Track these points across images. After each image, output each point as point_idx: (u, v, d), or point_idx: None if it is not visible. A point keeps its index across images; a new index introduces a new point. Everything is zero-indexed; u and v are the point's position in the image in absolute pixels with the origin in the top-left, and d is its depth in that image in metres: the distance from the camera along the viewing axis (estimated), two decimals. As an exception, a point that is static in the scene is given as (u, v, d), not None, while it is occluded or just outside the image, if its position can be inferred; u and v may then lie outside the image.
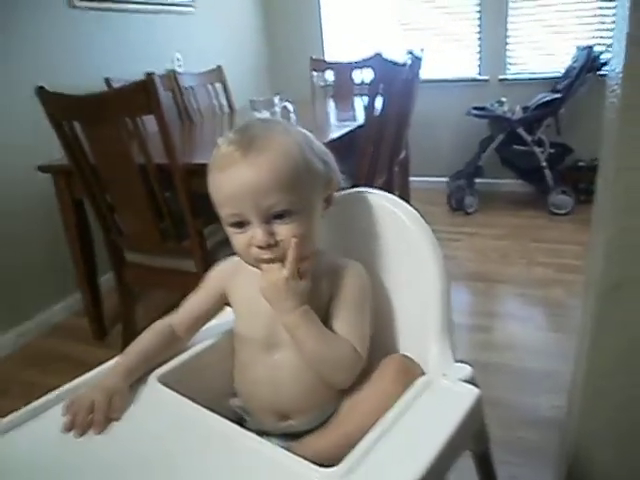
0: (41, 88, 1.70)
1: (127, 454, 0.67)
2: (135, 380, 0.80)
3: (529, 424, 1.56)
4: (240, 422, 0.81)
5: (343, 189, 0.86)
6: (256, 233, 0.72)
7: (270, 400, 0.81)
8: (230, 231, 0.76)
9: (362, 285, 0.82)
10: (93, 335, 2.26)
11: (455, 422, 0.65)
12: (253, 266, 0.77)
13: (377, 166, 2.35)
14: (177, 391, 0.76)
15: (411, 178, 3.42)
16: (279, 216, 0.72)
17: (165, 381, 0.79)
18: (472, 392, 0.71)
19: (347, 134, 2.13)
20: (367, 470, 0.60)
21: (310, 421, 0.80)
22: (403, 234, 0.84)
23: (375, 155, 2.27)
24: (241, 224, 0.73)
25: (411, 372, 0.76)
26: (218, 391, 0.85)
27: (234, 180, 0.71)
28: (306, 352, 0.76)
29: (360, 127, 2.22)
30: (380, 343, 0.84)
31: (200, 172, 1.70)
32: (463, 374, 0.73)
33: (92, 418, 0.71)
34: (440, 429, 0.64)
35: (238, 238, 0.75)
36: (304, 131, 0.80)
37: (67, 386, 0.80)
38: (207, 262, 1.77)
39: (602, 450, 0.96)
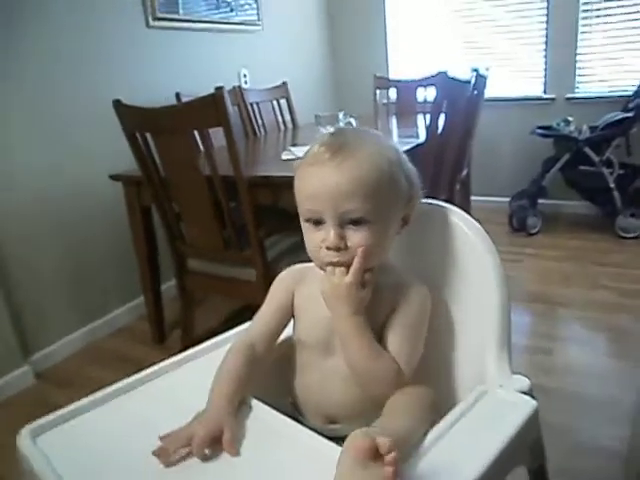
0: (117, 101, 1.79)
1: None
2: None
3: (586, 453, 1.50)
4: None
5: None
6: (328, 234, 0.73)
7: (320, 404, 0.83)
8: (305, 227, 0.78)
9: (424, 307, 0.82)
10: (153, 338, 2.34)
11: (510, 432, 0.64)
12: (320, 268, 0.78)
13: (439, 184, 2.34)
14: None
15: (472, 197, 3.39)
16: (354, 222, 0.73)
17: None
18: (529, 403, 0.70)
19: (409, 151, 2.14)
20: (420, 476, 0.60)
21: (357, 427, 0.80)
22: (465, 246, 0.85)
23: (437, 173, 2.26)
24: (317, 222, 0.75)
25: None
26: (275, 391, 0.87)
27: (317, 179, 0.73)
28: (350, 360, 0.77)
29: (422, 144, 2.22)
30: (438, 355, 0.85)
31: (263, 184, 1.79)
32: (520, 385, 0.73)
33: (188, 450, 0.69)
34: (495, 438, 0.63)
35: (311, 235, 0.77)
36: (397, 147, 0.81)
37: (119, 384, 0.83)
38: (267, 272, 1.81)
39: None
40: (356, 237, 0.73)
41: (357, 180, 0.71)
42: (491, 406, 0.71)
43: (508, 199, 3.53)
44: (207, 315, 2.46)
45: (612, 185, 3.03)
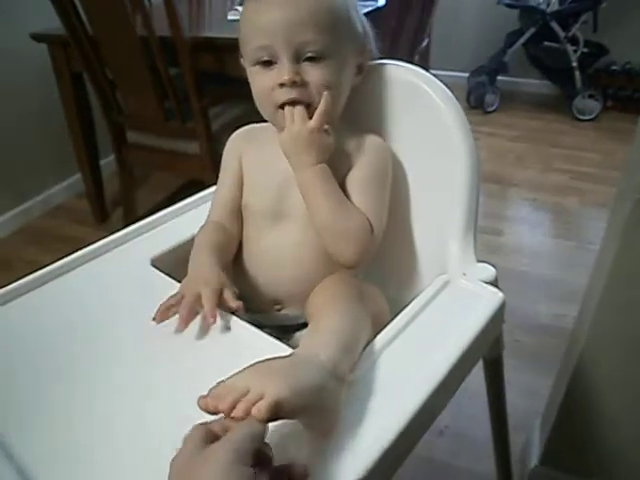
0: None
1: (120, 340, 0.63)
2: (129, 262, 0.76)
3: (528, 329, 1.56)
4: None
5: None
6: (282, 70, 0.66)
7: (265, 279, 0.75)
8: (253, 71, 0.70)
9: (385, 159, 0.76)
10: (94, 217, 2.23)
11: (476, 327, 0.58)
12: (272, 123, 0.72)
13: (396, 54, 2.19)
14: (170, 276, 0.71)
15: (431, 71, 3.23)
16: (311, 59, 0.67)
17: (159, 265, 0.74)
18: (496, 295, 0.64)
19: (367, 15, 1.96)
20: (380, 373, 0.54)
21: (303, 313, 0.73)
22: (432, 116, 0.75)
23: (395, 42, 2.12)
24: (268, 63, 0.68)
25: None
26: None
27: (269, 10, 0.67)
28: (317, 215, 0.69)
29: (381, 9, 2.05)
30: (395, 236, 0.78)
31: (206, 47, 1.62)
32: (486, 275, 0.67)
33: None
34: (459, 334, 0.58)
35: (261, 79, 0.69)
36: None
37: (63, 261, 0.77)
38: (212, 145, 1.71)
39: (608, 366, 0.94)
40: (314, 72, 0.67)
41: (314, 9, 0.66)
42: (455, 298, 0.64)
43: (467, 75, 3.40)
44: (151, 192, 2.35)
45: (574, 64, 2.93)
